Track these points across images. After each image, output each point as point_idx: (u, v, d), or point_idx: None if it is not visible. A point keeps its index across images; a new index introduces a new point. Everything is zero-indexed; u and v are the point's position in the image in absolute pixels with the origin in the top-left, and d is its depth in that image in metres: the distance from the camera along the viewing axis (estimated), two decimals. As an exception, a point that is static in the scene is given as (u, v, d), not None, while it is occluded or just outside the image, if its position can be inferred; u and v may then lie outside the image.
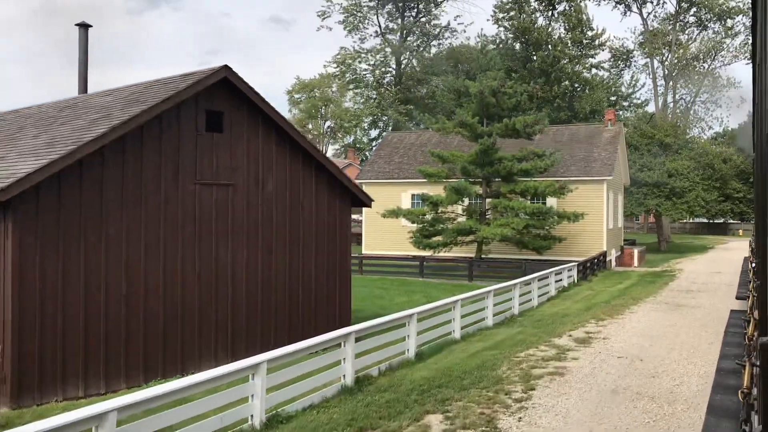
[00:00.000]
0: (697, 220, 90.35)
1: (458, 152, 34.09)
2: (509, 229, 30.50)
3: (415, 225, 34.14)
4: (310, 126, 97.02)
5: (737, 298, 18.72)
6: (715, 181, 53.57)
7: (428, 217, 33.05)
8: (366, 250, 40.61)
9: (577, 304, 21.78)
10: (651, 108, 65.95)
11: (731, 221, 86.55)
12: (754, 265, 11.47)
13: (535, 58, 55.88)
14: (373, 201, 17.91)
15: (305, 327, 15.05)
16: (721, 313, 18.57)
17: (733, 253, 47.88)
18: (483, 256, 35.97)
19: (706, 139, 66.25)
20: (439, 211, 33.73)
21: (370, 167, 42.05)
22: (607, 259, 36.82)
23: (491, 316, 17.62)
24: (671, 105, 67.04)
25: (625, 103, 60.95)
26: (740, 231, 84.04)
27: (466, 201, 34.51)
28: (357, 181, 41.38)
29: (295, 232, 14.68)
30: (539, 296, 22.94)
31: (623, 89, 61.40)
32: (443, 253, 35.39)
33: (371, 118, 57.41)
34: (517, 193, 32.27)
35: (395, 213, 33.00)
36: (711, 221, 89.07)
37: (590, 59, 60.66)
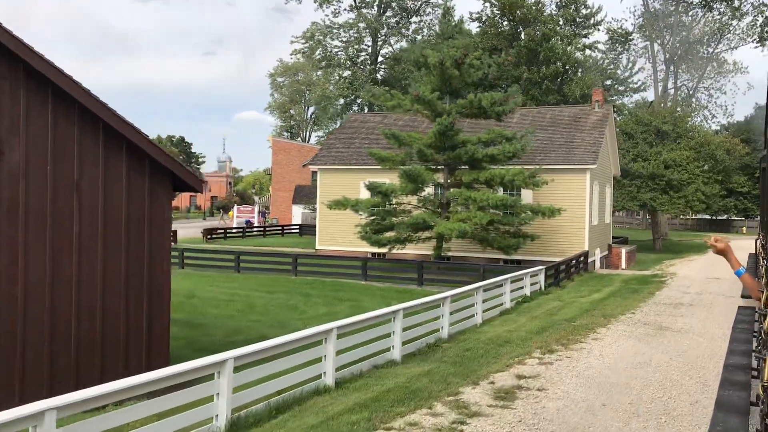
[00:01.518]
0: (698, 216, 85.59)
1: (416, 134, 29.33)
2: (470, 224, 25.77)
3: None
4: (292, 112, 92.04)
5: (743, 296, 17.05)
6: (717, 173, 48.69)
7: (379, 209, 28.35)
8: (321, 245, 35.95)
9: (533, 322, 17.08)
10: (650, 95, 61.10)
11: (735, 218, 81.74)
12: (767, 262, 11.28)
13: (523, 36, 50.97)
14: (205, 183, 13.17)
15: (82, 371, 10.22)
16: (717, 344, 13.87)
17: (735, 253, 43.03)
18: (447, 254, 31.32)
19: (708, 128, 61.29)
20: (393, 203, 29.02)
21: (327, 152, 37.30)
22: (590, 260, 32.09)
23: (399, 345, 12.89)
24: (672, 92, 62.10)
25: (621, 88, 55.98)
26: (744, 228, 79.12)
27: (429, 191, 29.78)
28: (312, 167, 36.71)
29: (63, 226, 9.82)
30: (489, 309, 18.29)
31: (619, 73, 56.40)
32: (400, 251, 30.77)
33: (343, 101, 52.53)
34: (481, 182, 27.52)
35: (342, 204, 28.29)
36: (713, 218, 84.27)
37: (584, 39, 55.69)
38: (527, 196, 31.87)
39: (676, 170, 43.22)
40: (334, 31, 51.63)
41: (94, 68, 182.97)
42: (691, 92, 64.20)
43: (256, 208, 59.77)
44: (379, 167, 31.09)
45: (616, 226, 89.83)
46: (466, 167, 29.02)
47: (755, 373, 5.98)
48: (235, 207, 60.67)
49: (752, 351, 6.99)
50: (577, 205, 31.51)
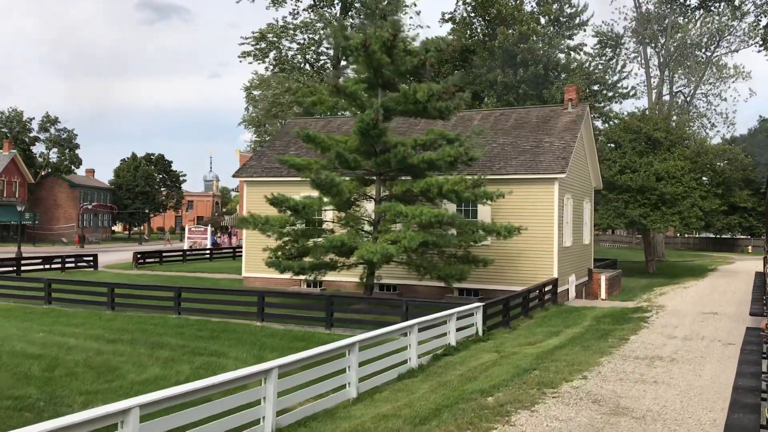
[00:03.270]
0: (701, 235, 79.79)
1: (341, 136, 23.88)
2: (397, 246, 20.16)
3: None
4: (268, 127, 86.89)
5: (752, 314, 18.63)
6: (716, 186, 43.02)
7: (291, 228, 22.78)
8: (248, 272, 30.39)
9: (433, 395, 11.49)
10: (644, 102, 55.66)
11: (740, 236, 75.98)
12: None
13: (498, 36, 45.62)
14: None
15: None
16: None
17: (736, 278, 37.28)
18: (384, 283, 25.80)
19: (705, 136, 55.68)
20: (311, 221, 23.49)
21: (257, 162, 31.82)
22: (563, 288, 26.45)
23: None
24: (667, 98, 56.64)
25: (610, 94, 50.50)
26: (749, 247, 73.32)
27: (369, 207, 24.22)
28: (239, 179, 31.31)
29: None
30: (384, 371, 12.74)
31: (608, 77, 50.94)
32: (338, 280, 25.32)
33: (300, 110, 46.99)
34: (416, 193, 21.96)
35: (247, 221, 22.79)
36: (717, 236, 78.47)
37: (568, 41, 50.36)
38: (485, 212, 26.34)
39: (670, 183, 37.60)
40: (290, 31, 46.40)
41: (110, 88, 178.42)
42: (688, 99, 58.73)
43: (209, 230, 54.22)
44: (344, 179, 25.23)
45: (613, 246, 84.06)
46: (407, 177, 23.52)
47: (765, 395, 6.16)
48: (186, 228, 55.31)
49: (762, 373, 7.20)
50: (543, 223, 25.92)
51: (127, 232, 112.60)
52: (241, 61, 47.33)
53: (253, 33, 47.66)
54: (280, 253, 22.99)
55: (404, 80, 23.28)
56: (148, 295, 21.81)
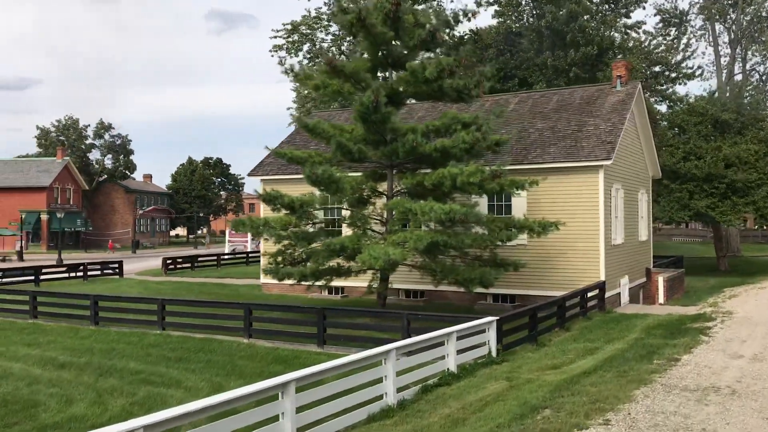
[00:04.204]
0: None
1: (346, 125, 21.13)
2: (403, 249, 17.22)
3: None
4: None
5: None
6: (797, 172, 38.18)
7: (291, 231, 20.12)
8: (265, 279, 27.90)
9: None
10: (712, 84, 50.81)
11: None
12: None
13: (547, 15, 41.92)
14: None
15: None
16: None
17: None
18: (411, 289, 22.99)
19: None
20: (312, 222, 20.81)
21: (274, 158, 29.37)
22: (613, 293, 22.98)
23: None
24: (739, 77, 51.55)
25: (673, 75, 45.99)
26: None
27: (380, 203, 21.36)
28: (253, 178, 28.93)
29: None
30: (352, 409, 9.95)
31: (670, 56, 46.43)
32: (358, 283, 22.67)
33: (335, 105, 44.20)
34: (428, 187, 18.96)
35: (245, 224, 20.28)
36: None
37: (624, 18, 46.08)
38: (519, 207, 23.12)
39: (741, 169, 33.30)
40: (324, 22, 43.89)
41: (178, 96, 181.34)
42: (764, 78, 53.39)
43: (249, 235, 52.38)
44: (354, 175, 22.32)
45: (686, 240, 78.22)
46: (427, 169, 20.53)
47: None
48: (227, 232, 53.64)
49: None
50: (588, 218, 22.52)
51: (186, 237, 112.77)
52: (272, 55, 45.00)
53: (284, 25, 45.41)
54: (280, 258, 20.40)
55: (407, 55, 20.24)
56: (133, 308, 19.53)
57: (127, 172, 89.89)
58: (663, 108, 46.58)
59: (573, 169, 22.68)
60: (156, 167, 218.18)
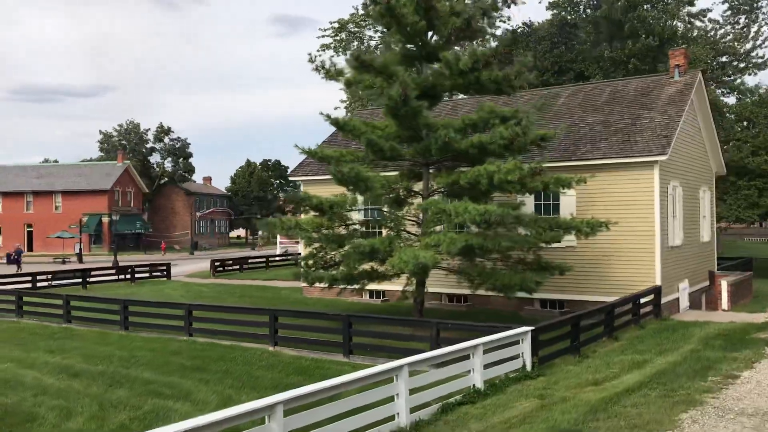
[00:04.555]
0: None
1: (379, 122, 20.15)
2: (434, 253, 16.12)
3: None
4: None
5: None
6: None
7: (322, 233, 19.24)
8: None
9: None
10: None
11: None
12: None
13: (603, 5, 40.00)
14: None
15: None
16: None
17: None
18: (453, 293, 21.88)
19: None
20: (345, 223, 19.90)
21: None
22: (670, 298, 21.33)
23: None
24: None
25: (742, 65, 43.31)
26: None
27: (415, 203, 20.29)
28: (294, 178, 28.31)
29: None
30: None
31: (739, 46, 43.74)
32: (386, 287, 21.74)
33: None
34: (464, 186, 17.78)
35: (278, 226, 19.52)
36: None
37: (688, 6, 43.64)
38: (568, 206, 21.71)
39: (817, 163, 30.85)
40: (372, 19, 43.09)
41: (237, 100, 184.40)
42: None
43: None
44: (386, 174, 21.20)
45: (762, 240, 74.11)
46: (467, 167, 19.35)
47: None
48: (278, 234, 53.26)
49: None
50: (642, 217, 20.93)
51: (245, 238, 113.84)
52: (320, 55, 44.36)
53: (331, 23, 44.82)
54: (312, 261, 19.59)
55: (446, 45, 19.10)
56: (161, 314, 19.03)
57: (186, 174, 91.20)
58: (730, 100, 44.01)
59: (625, 165, 21.12)
60: (216, 169, 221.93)
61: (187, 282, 35.15)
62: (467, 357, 11.70)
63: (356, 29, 44.52)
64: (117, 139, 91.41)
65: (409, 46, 19.81)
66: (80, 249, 59.21)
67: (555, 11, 42.68)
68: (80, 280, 32.86)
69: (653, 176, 20.77)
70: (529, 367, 13.03)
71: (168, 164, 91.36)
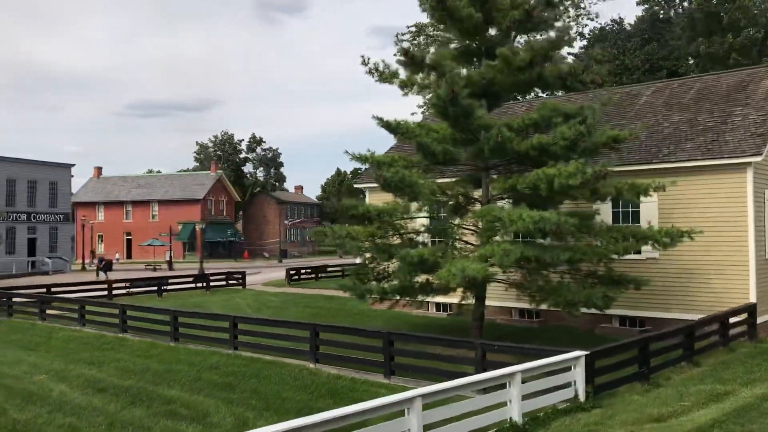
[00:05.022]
0: None
1: (435, 125, 18.84)
2: (484, 266, 14.67)
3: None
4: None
5: None
6: None
7: (372, 243, 18.12)
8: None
9: None
10: None
11: None
12: None
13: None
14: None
15: None
16: None
17: None
18: (523, 307, 20.35)
19: None
20: (399, 233, 18.71)
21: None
22: (765, 318, 18.90)
23: None
24: None
25: None
26: None
27: (469, 213, 18.88)
28: (359, 186, 27.46)
29: None
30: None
31: None
32: (452, 299, 20.50)
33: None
34: (521, 191, 16.22)
35: (329, 235, 18.56)
36: None
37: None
38: (649, 213, 19.67)
39: None
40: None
41: (333, 113, 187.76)
42: None
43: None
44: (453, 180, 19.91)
45: None
46: (529, 167, 17.78)
47: None
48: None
49: None
50: (733, 226, 18.65)
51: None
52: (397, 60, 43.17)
53: (408, 27, 43.83)
54: (364, 273, 18.53)
55: (504, 40, 17.60)
56: (207, 326, 18.44)
57: (276, 183, 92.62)
58: None
59: (714, 168, 18.90)
60: (308, 178, 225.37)
61: (261, 291, 34.90)
62: (503, 386, 10.26)
63: (437, 32, 43.32)
64: (212, 150, 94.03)
65: (467, 42, 18.49)
66: (170, 256, 60.76)
67: (646, 6, 39.98)
68: (156, 288, 33.17)
69: (746, 179, 18.46)
70: (582, 397, 11.40)
71: (260, 173, 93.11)
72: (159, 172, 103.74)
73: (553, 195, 15.69)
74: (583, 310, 16.78)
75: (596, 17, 16.97)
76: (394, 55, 44.73)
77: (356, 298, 18.15)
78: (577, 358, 11.40)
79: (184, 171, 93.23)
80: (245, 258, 76.29)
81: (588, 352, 11.55)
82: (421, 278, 17.92)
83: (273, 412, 11.85)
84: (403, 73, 19.18)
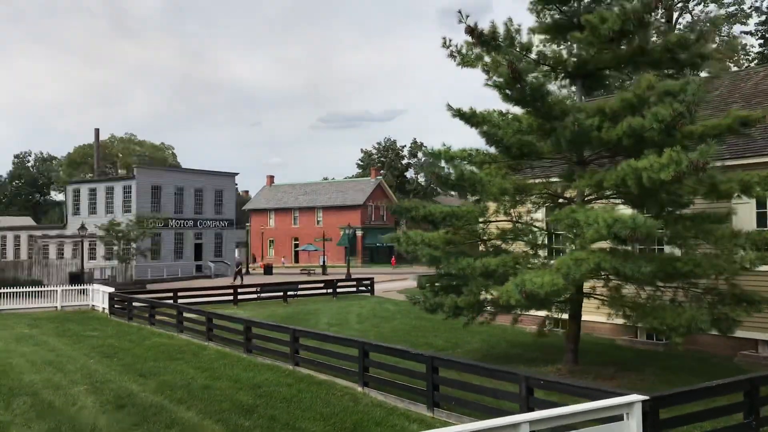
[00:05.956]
0: None
1: (516, 114, 16.31)
2: (551, 279, 12.07)
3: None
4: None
5: None
6: None
7: (442, 250, 15.96)
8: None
9: None
10: None
11: None
12: None
13: None
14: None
15: None
16: None
17: None
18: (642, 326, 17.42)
19: None
20: (480, 239, 16.42)
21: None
22: None
23: None
24: None
25: None
26: None
27: (542, 213, 16.18)
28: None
29: None
30: None
31: None
32: (594, 317, 18.03)
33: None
34: (606, 189, 13.35)
35: (402, 241, 16.70)
36: None
37: None
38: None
39: None
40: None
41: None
42: None
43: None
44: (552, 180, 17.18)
45: None
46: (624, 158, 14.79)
47: None
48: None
49: None
50: None
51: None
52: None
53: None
54: (434, 284, 16.46)
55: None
56: (273, 338, 17.28)
57: (438, 189, 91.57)
58: None
59: None
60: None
61: (387, 298, 33.59)
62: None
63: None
64: (376, 156, 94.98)
65: (559, 13, 15.88)
66: (323, 261, 61.52)
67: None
68: (257, 290, 33.19)
69: None
70: (651, 448, 8.63)
71: (421, 179, 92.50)
72: (333, 179, 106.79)
73: (645, 192, 12.70)
74: (713, 332, 13.54)
75: None
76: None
77: (427, 312, 16.12)
78: (629, 404, 8.64)
79: (349, 178, 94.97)
80: (392, 264, 75.83)
81: (647, 398, 8.73)
82: (495, 292, 15.53)
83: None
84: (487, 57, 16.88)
